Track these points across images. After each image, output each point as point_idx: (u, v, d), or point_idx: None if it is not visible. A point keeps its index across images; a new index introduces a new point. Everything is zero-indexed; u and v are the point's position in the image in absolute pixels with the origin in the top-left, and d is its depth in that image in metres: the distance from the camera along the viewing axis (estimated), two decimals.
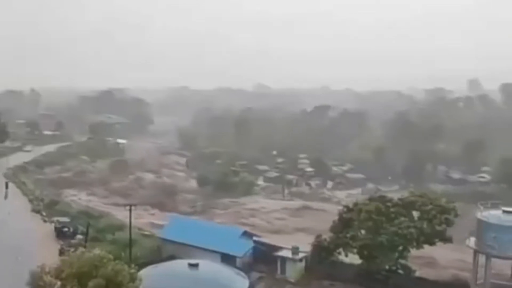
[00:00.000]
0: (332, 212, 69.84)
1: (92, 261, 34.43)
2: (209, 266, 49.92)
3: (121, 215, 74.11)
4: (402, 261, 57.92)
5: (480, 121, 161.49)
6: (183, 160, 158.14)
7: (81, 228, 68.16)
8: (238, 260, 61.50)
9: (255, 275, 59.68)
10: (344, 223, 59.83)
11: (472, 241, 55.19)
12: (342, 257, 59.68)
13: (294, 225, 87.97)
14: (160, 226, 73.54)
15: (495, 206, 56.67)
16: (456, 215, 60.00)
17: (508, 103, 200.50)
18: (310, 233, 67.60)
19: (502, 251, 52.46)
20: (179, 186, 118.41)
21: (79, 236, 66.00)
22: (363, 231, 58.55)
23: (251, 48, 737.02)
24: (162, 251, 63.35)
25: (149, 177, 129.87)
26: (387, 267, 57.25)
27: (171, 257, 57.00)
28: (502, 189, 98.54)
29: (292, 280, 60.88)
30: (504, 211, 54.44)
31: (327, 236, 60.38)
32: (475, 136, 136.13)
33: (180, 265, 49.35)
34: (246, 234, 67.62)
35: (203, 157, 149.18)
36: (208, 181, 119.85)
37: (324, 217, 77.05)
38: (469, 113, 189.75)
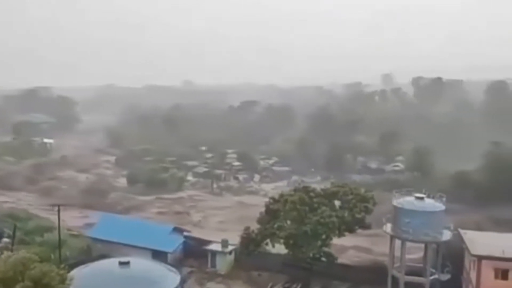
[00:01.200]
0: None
1: (18, 264, 33.24)
2: (140, 264, 49.25)
3: (49, 216, 71.91)
4: (325, 249, 59.17)
5: (394, 113, 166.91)
6: (112, 159, 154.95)
7: (8, 231, 65.51)
8: (169, 256, 61.11)
9: (186, 270, 59.49)
10: (271, 215, 60.44)
11: (388, 227, 57.16)
12: (269, 248, 60.30)
13: (224, 219, 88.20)
14: (90, 226, 71.97)
15: (408, 193, 58.85)
16: (374, 203, 61.84)
17: (418, 96, 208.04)
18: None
19: (416, 235, 54.58)
20: (109, 184, 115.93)
21: (5, 240, 63.44)
22: (288, 222, 59.39)
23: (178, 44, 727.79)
24: (92, 251, 61.99)
25: (77, 176, 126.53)
26: (311, 255, 58.33)
27: (102, 256, 55.97)
28: (415, 177, 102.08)
29: (222, 273, 61.13)
30: (417, 197, 56.62)
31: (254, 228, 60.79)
32: (390, 128, 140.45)
33: (110, 263, 48.38)
34: (176, 230, 67.22)
35: (133, 155, 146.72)
36: (138, 179, 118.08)
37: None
38: (384, 106, 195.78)
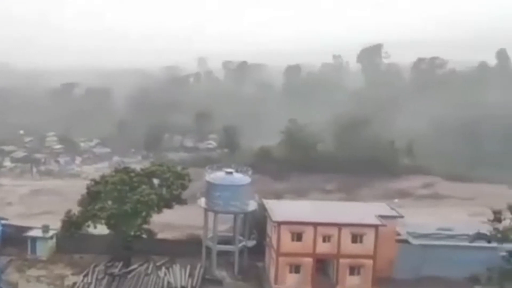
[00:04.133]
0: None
1: None
2: None
3: None
4: (145, 226, 58.72)
5: (207, 94, 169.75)
6: None
7: None
8: None
9: (4, 258, 55.23)
10: (92, 196, 58.23)
11: (202, 201, 58.54)
12: (92, 230, 58.27)
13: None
14: None
15: (219, 168, 60.67)
16: (190, 180, 62.72)
17: (228, 77, 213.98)
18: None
19: (226, 207, 56.66)
20: None
21: None
22: (110, 202, 57.80)
23: None
24: None
25: None
26: (132, 233, 57.55)
27: None
28: (225, 153, 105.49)
29: (44, 258, 57.85)
30: (226, 172, 58.65)
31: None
32: (203, 108, 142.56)
33: None
34: None
35: None
36: None
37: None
38: (198, 88, 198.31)
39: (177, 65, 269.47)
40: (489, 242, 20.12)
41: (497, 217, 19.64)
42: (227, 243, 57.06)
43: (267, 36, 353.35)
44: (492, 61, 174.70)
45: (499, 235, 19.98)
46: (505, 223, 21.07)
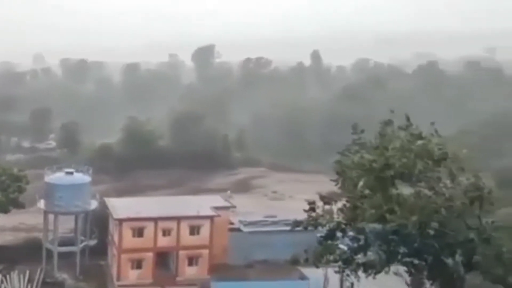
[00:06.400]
0: None
1: None
2: None
3: None
4: None
5: (45, 92, 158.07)
6: None
7: None
8: None
9: None
10: None
11: (42, 203, 55.11)
12: None
13: None
14: None
15: (59, 169, 57.58)
16: (27, 182, 58.74)
17: (67, 75, 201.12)
18: None
19: (67, 207, 54.06)
20: None
21: None
22: None
23: None
24: None
25: None
26: None
27: None
28: (64, 153, 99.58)
29: None
30: (66, 172, 55.98)
31: None
32: (41, 107, 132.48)
33: None
34: None
35: None
36: None
37: None
38: (35, 85, 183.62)
39: (10, 60, 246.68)
40: (305, 229, 22.15)
41: (311, 207, 21.68)
42: (69, 244, 54.49)
43: (107, 34, 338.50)
44: (307, 61, 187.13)
45: (312, 222, 22.01)
46: (319, 211, 23.34)
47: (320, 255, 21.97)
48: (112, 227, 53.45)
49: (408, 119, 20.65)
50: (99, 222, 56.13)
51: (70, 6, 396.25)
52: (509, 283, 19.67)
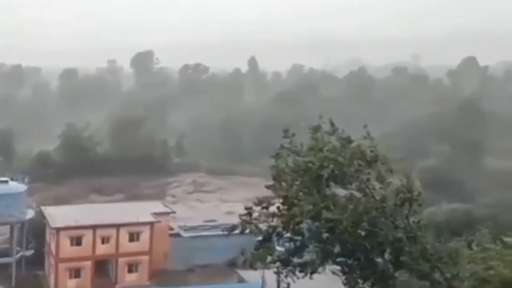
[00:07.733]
0: None
1: None
2: None
3: None
4: None
5: None
6: None
7: None
8: None
9: None
10: None
11: None
12: None
13: None
14: None
15: None
16: None
17: (0, 81, 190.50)
18: None
19: (2, 217, 51.33)
20: None
21: None
22: None
23: None
24: None
25: None
26: None
27: None
28: (1, 162, 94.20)
29: None
30: (1, 181, 53.34)
31: None
32: None
33: None
34: None
35: None
36: None
37: None
38: None
39: None
40: (241, 233, 21.85)
41: (248, 212, 21.44)
42: (4, 255, 51.67)
43: (45, 38, 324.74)
44: (245, 68, 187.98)
45: (248, 226, 21.74)
46: (255, 215, 23.10)
47: (259, 257, 21.76)
48: (49, 236, 51.27)
49: (332, 124, 20.68)
50: (36, 231, 53.65)
51: (4, 7, 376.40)
52: (434, 279, 20.24)
